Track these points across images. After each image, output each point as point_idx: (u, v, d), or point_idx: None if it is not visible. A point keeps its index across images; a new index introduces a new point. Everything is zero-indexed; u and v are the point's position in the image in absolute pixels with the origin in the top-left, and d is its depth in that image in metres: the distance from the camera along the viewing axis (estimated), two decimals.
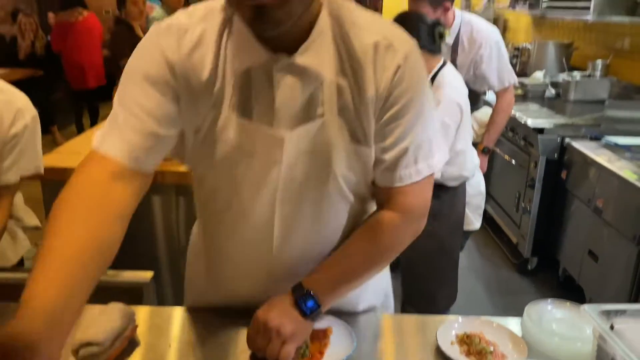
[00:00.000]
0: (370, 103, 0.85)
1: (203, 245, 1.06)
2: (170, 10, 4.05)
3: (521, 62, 4.63)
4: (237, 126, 0.86)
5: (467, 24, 2.44)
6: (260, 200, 0.91)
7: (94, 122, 5.48)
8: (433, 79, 1.87)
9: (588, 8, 3.30)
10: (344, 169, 0.89)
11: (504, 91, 2.50)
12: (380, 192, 0.96)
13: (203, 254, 1.06)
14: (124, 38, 3.34)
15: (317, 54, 0.83)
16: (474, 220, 2.06)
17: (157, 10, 4.00)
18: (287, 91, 0.84)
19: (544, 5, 4.09)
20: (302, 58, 0.82)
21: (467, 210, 2.01)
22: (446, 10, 2.34)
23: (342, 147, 0.87)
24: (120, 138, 0.82)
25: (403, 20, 1.95)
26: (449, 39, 2.46)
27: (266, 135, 0.86)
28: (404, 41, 0.87)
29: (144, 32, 3.62)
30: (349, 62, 0.85)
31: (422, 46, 1.88)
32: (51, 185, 1.95)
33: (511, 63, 4.75)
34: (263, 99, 0.85)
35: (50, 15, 6.56)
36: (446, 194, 1.93)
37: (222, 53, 0.84)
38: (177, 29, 0.84)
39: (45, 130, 5.03)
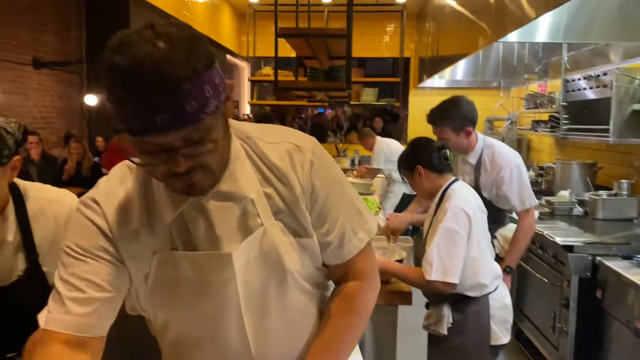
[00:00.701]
0: (300, 198, 0.97)
1: None
2: None
3: (546, 181, 4.72)
4: (185, 260, 0.93)
5: (489, 147, 2.59)
6: (228, 321, 0.97)
7: None
8: (443, 193, 2.00)
9: (608, 130, 3.44)
10: (296, 264, 0.98)
11: (526, 212, 2.56)
12: (335, 270, 1.07)
13: None
14: None
15: (238, 178, 0.93)
16: (501, 335, 2.03)
17: None
18: (222, 214, 0.93)
19: (565, 128, 4.27)
20: (226, 185, 0.92)
21: (492, 325, 1.98)
22: (468, 134, 2.51)
23: (288, 244, 0.97)
24: (65, 312, 0.90)
25: (414, 145, 2.14)
26: (472, 159, 2.61)
27: (214, 257, 0.93)
28: (307, 140, 1.01)
29: None
30: (271, 172, 0.97)
31: (430, 167, 2.04)
32: None
33: (536, 182, 4.88)
34: (202, 229, 0.93)
35: (99, 139, 7.11)
36: (469, 308, 1.93)
37: (146, 206, 0.94)
38: (101, 198, 0.95)
39: None
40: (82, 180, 5.82)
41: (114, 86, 0.77)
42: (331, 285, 1.11)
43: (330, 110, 13.62)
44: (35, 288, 1.45)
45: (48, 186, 1.53)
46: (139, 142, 0.80)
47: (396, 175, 5.08)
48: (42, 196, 1.48)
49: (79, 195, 1.46)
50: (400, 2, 6.86)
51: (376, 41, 7.71)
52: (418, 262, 2.07)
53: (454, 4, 5.33)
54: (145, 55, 0.75)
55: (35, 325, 1.20)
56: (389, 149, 5.32)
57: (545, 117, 5.27)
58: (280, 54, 8.57)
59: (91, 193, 0.97)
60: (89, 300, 0.90)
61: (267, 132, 1.00)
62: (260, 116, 8.94)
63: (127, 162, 0.97)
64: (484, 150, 2.58)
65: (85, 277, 0.91)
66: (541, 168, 4.85)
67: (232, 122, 0.94)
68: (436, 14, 6.60)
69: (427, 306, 2.13)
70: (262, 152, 0.97)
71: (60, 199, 1.51)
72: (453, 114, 2.48)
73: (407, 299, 1.96)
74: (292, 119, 8.79)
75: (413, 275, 1.91)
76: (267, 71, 6.67)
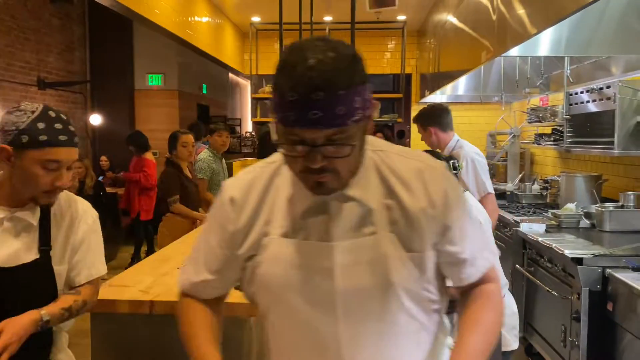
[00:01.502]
0: (424, 214, 1.01)
1: None
2: (215, 150, 4.39)
3: (551, 194, 4.72)
4: (293, 246, 1.02)
5: (460, 147, 3.29)
6: (323, 318, 1.01)
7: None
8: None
9: (612, 142, 3.45)
10: (402, 279, 1.00)
11: (484, 199, 3.07)
12: (466, 287, 1.13)
13: None
14: (173, 178, 3.60)
15: (363, 187, 1.01)
16: (510, 341, 2.02)
17: (204, 152, 4.35)
18: (341, 213, 1.01)
19: (569, 141, 4.28)
20: (352, 191, 1.01)
21: (503, 331, 1.98)
22: (434, 133, 3.31)
23: (398, 257, 1.00)
24: (193, 276, 1.16)
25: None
26: (447, 152, 3.30)
27: (320, 247, 1.01)
28: (438, 162, 1.09)
29: (191, 173, 3.90)
30: (398, 183, 1.03)
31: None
32: (100, 317, 2.01)
33: (541, 195, 4.88)
34: (319, 223, 1.02)
35: (103, 158, 7.14)
36: None
37: (270, 196, 1.06)
38: (240, 181, 1.10)
39: None
40: (85, 199, 5.85)
41: (283, 80, 0.91)
42: (443, 324, 1.14)
43: None
44: (39, 280, 1.51)
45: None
46: (289, 132, 0.92)
47: None
48: (65, 196, 1.58)
49: None
50: (401, 20, 6.92)
51: (378, 58, 7.77)
52: None
53: (455, 21, 5.38)
54: (315, 59, 0.89)
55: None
56: None
57: (548, 130, 5.29)
58: None
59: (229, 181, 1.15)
60: (206, 280, 1.14)
61: (401, 149, 1.09)
62: (263, 134, 8.99)
63: (266, 158, 1.12)
64: (454, 150, 3.27)
65: (208, 260, 1.13)
66: (545, 181, 4.85)
67: (367, 137, 1.02)
68: (437, 30, 6.66)
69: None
70: (393, 164, 1.04)
71: (81, 204, 1.62)
72: (420, 114, 3.42)
73: None
74: None
75: None
76: (269, 89, 6.71)
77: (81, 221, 1.59)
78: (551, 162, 5.84)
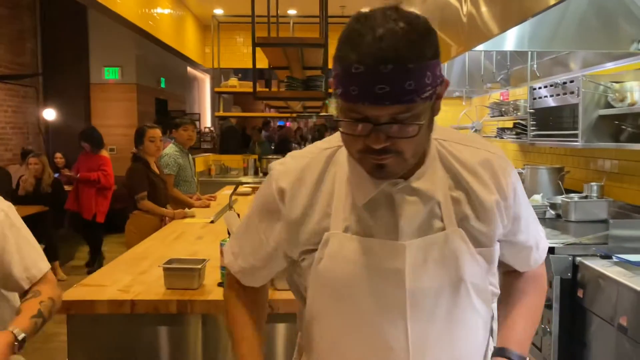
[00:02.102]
0: (495, 205, 0.97)
1: None
2: (181, 145, 4.28)
3: None
4: (358, 243, 0.94)
5: None
6: (389, 318, 0.94)
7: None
8: None
9: (576, 136, 3.57)
10: (473, 276, 0.96)
11: None
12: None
13: None
14: (140, 174, 3.48)
15: (430, 178, 0.95)
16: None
17: (170, 147, 4.22)
18: (410, 208, 0.94)
19: (532, 134, 4.40)
20: (418, 182, 0.94)
21: None
22: None
23: (468, 253, 0.95)
24: (240, 260, 1.12)
25: None
26: None
27: (388, 246, 0.94)
28: (501, 150, 1.04)
29: (158, 168, 3.79)
30: (467, 175, 0.97)
31: None
32: (77, 319, 1.92)
33: None
34: (385, 218, 0.95)
35: (58, 155, 6.84)
36: None
37: (326, 186, 0.98)
38: (290, 170, 1.01)
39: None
40: (42, 197, 5.58)
41: (347, 50, 0.83)
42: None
43: (290, 123, 13.64)
44: None
45: None
46: (351, 108, 0.84)
47: None
48: None
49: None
50: None
51: None
52: None
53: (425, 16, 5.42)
54: (385, 29, 0.81)
55: None
56: None
57: (509, 124, 5.43)
58: (247, 66, 8.61)
59: (284, 164, 1.04)
60: (253, 266, 1.11)
61: (460, 137, 1.02)
62: (226, 128, 8.86)
63: (318, 142, 1.04)
64: None
65: (255, 247, 1.08)
66: None
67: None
68: None
69: None
70: (459, 153, 0.98)
71: None
72: None
73: None
74: (259, 131, 8.73)
75: None
76: (233, 82, 6.60)
77: None
78: (512, 155, 6.00)
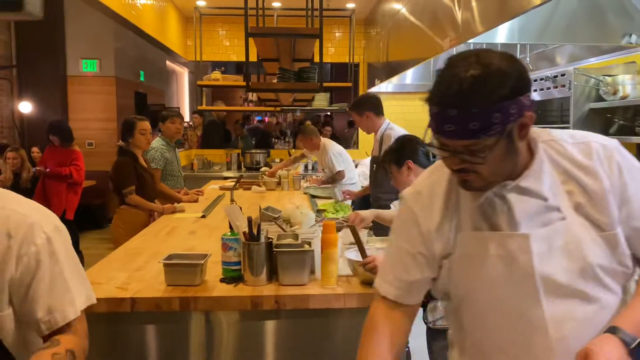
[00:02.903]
0: (607, 192, 1.05)
1: None
2: (168, 139, 4.17)
3: None
4: (488, 238, 1.09)
5: (390, 128, 3.75)
6: (525, 303, 1.06)
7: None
8: None
9: (567, 129, 3.59)
10: (599, 258, 1.05)
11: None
12: None
13: None
14: (128, 167, 3.37)
15: (538, 177, 1.07)
16: None
17: (157, 140, 4.10)
18: (522, 204, 1.07)
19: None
20: (525, 182, 1.06)
21: None
22: (368, 117, 3.76)
23: (590, 239, 1.05)
24: (390, 283, 1.22)
25: (402, 144, 2.15)
26: (377, 136, 3.78)
27: (514, 237, 1.06)
28: (610, 140, 1.11)
29: (145, 162, 3.67)
30: (576, 169, 1.07)
31: (419, 163, 2.08)
32: None
33: None
34: (503, 214, 1.08)
35: (34, 149, 6.62)
36: None
37: (453, 195, 1.15)
38: (422, 194, 1.19)
39: None
40: (21, 194, 5.37)
41: (432, 92, 1.01)
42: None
43: (267, 119, 13.53)
44: None
45: (15, 195, 1.19)
46: (435, 136, 1.03)
47: (349, 175, 5.04)
48: (3, 204, 1.13)
49: None
50: (350, 8, 6.89)
51: (324, 46, 7.72)
52: None
53: (409, 11, 5.40)
54: (458, 77, 0.97)
55: None
56: (339, 149, 5.15)
57: None
58: (228, 59, 8.42)
59: (416, 188, 1.23)
60: (409, 282, 1.20)
61: (570, 133, 1.12)
62: (208, 123, 8.72)
63: (439, 161, 1.18)
64: (385, 131, 3.70)
65: (408, 263, 1.20)
66: None
67: (536, 130, 1.10)
68: (386, 20, 6.68)
69: (427, 301, 2.09)
70: (565, 150, 1.08)
71: (26, 212, 1.13)
72: (355, 102, 3.87)
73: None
74: (242, 125, 8.60)
75: None
76: (217, 75, 6.47)
77: (23, 245, 1.09)
78: None
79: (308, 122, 8.02)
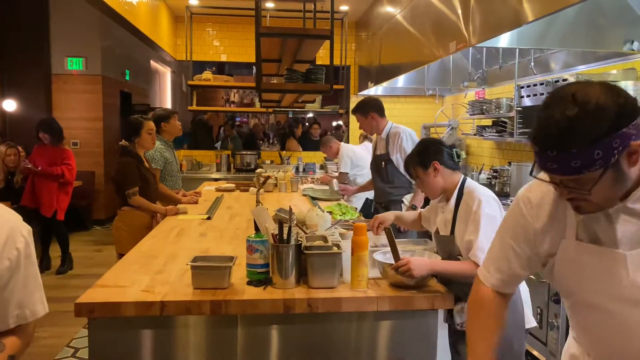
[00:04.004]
0: None
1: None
2: (169, 138, 4.09)
3: (499, 183, 4.92)
4: (584, 249, 1.14)
5: (395, 128, 3.94)
6: (622, 311, 1.12)
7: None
8: (461, 188, 2.08)
9: None
10: None
11: None
12: None
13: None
14: (132, 168, 3.28)
15: None
16: (532, 318, 2.05)
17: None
18: (625, 225, 1.09)
19: (519, 132, 4.47)
20: (633, 203, 1.07)
21: (525, 308, 2.00)
22: (373, 117, 3.93)
23: None
24: (491, 273, 1.37)
25: (426, 146, 2.14)
26: (383, 135, 3.95)
27: (610, 254, 1.11)
28: None
29: (147, 162, 3.59)
30: None
31: (445, 164, 2.07)
32: (100, 323, 1.76)
33: (489, 184, 5.07)
34: (606, 231, 1.11)
35: (19, 148, 6.43)
36: None
37: (561, 205, 1.17)
38: (532, 200, 1.24)
39: None
40: (14, 192, 5.20)
41: (533, 130, 1.04)
42: None
43: (247, 120, 13.43)
44: None
45: None
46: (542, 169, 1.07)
47: (361, 180, 5.06)
48: None
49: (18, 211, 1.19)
50: (343, 10, 6.89)
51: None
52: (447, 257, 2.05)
53: (404, 16, 5.42)
54: (551, 118, 0.99)
55: None
56: (354, 153, 5.29)
57: (488, 122, 5.51)
58: (216, 59, 8.32)
59: (529, 196, 1.26)
60: (512, 274, 1.33)
61: None
62: (197, 122, 8.60)
63: None
64: (391, 130, 3.92)
65: (511, 258, 1.31)
66: (495, 171, 5.05)
67: None
68: (380, 23, 6.71)
69: (457, 302, 2.08)
70: None
71: (2, 214, 1.18)
72: (359, 105, 3.99)
73: (450, 301, 1.90)
74: (231, 126, 8.51)
75: (466, 268, 1.86)
76: (207, 75, 6.39)
77: (6, 246, 1.15)
78: (489, 153, 6.11)
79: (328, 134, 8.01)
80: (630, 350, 1.14)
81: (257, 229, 2.04)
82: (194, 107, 6.73)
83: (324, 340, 1.88)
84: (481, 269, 1.40)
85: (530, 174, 1.15)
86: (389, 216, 2.47)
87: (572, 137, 0.97)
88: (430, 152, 2.12)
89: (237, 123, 12.64)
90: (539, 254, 1.24)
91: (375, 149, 4.13)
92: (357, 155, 5.26)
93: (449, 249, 2.06)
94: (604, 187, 1.02)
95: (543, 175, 1.10)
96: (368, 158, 5.62)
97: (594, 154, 0.97)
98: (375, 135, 4.13)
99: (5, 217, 1.18)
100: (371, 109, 3.93)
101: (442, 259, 2.03)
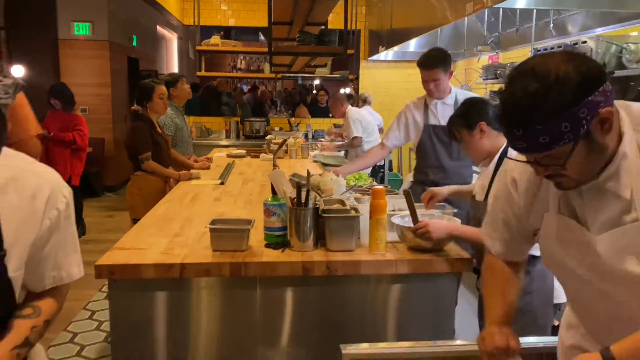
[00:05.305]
0: None
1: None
2: (179, 102, 4.04)
3: None
4: (560, 222, 1.14)
5: (460, 92, 3.20)
6: (601, 287, 1.10)
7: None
8: (504, 153, 1.96)
9: None
10: None
11: None
12: None
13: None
14: (144, 133, 3.26)
15: (620, 177, 1.01)
16: (562, 293, 2.03)
17: None
18: (596, 204, 1.06)
19: None
20: (608, 183, 1.02)
21: (555, 283, 1.97)
22: (450, 74, 3.11)
23: None
24: (493, 240, 1.36)
25: (469, 106, 2.05)
26: (450, 100, 3.09)
27: (585, 232, 1.08)
28: None
29: (160, 127, 3.57)
30: None
31: (491, 126, 1.98)
32: (120, 285, 1.77)
33: None
34: (579, 208, 1.10)
35: None
36: (534, 267, 1.89)
37: (543, 181, 1.15)
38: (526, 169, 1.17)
39: None
40: None
41: (499, 108, 1.03)
42: None
43: (247, 87, 13.33)
44: None
45: (25, 155, 1.17)
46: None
47: (368, 147, 5.01)
48: (17, 164, 1.13)
49: None
50: None
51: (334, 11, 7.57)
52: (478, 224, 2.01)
53: None
54: (514, 96, 0.97)
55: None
56: (363, 117, 5.20)
57: (496, 87, 5.42)
58: (227, 24, 8.20)
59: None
60: (514, 236, 1.31)
61: None
62: (205, 89, 8.53)
63: None
64: (458, 95, 3.09)
65: (511, 218, 1.29)
66: None
67: (628, 113, 1.02)
68: None
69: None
70: None
71: (43, 173, 1.16)
72: (442, 57, 3.03)
73: (469, 265, 1.89)
74: (241, 92, 8.43)
75: None
76: (216, 40, 6.30)
77: (48, 205, 1.13)
78: None
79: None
80: (617, 319, 1.11)
81: (274, 192, 2.02)
82: (203, 73, 6.66)
83: (342, 302, 1.89)
84: (485, 237, 1.39)
85: (505, 155, 1.12)
86: (443, 190, 2.35)
87: (535, 113, 0.94)
88: (472, 112, 2.01)
89: (244, 91, 12.53)
90: (530, 224, 1.24)
91: (427, 118, 3.11)
92: (365, 119, 5.17)
93: (480, 215, 2.02)
94: (579, 159, 0.98)
95: (518, 155, 1.07)
96: (374, 123, 5.56)
97: (561, 127, 0.94)
98: (424, 99, 3.14)
99: (47, 177, 1.16)
100: (450, 64, 3.09)
101: (473, 226, 1.99)
